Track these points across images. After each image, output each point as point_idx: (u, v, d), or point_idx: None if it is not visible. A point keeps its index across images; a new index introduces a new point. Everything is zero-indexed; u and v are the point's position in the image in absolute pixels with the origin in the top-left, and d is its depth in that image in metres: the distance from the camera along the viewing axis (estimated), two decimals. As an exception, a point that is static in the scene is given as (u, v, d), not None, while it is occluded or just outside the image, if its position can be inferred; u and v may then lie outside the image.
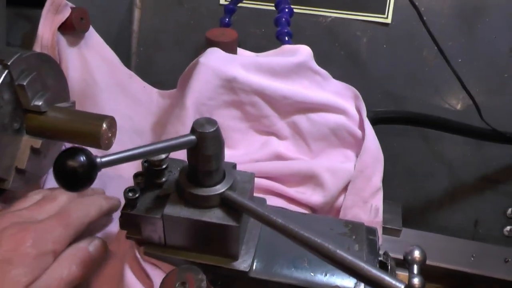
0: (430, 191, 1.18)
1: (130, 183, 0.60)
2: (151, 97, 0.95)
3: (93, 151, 0.49)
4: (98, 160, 0.44)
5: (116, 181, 0.82)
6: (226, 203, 0.56)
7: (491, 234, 1.15)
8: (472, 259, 1.02)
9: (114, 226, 0.76)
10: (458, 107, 1.14)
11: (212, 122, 0.53)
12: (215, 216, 0.55)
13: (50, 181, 0.82)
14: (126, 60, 1.20)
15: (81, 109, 0.82)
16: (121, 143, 0.71)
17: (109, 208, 0.72)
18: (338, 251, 0.48)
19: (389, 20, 1.13)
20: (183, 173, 0.57)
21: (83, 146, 0.47)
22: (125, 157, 0.47)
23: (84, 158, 0.43)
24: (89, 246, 0.65)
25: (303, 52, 0.83)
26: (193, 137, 0.51)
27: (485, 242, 1.10)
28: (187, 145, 0.52)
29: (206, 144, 0.52)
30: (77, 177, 0.43)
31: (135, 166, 0.78)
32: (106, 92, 0.88)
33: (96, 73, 0.87)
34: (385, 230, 0.84)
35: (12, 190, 0.78)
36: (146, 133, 0.91)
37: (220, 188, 0.56)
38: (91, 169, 0.43)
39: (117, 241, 0.74)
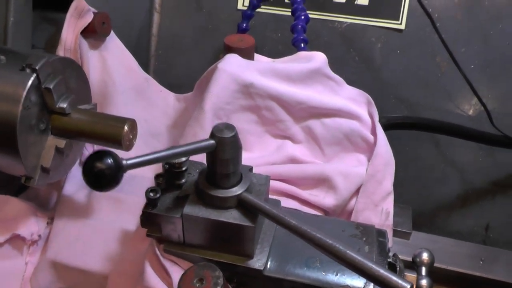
0: (441, 195, 1.20)
1: (146, 184, 0.62)
2: (167, 100, 0.97)
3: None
4: (124, 162, 0.47)
5: (130, 182, 0.84)
6: (242, 205, 0.58)
7: (502, 239, 1.16)
8: (481, 263, 1.03)
9: (132, 224, 0.79)
10: (470, 112, 1.15)
11: (230, 127, 0.55)
12: (232, 216, 0.58)
13: (70, 179, 0.85)
14: (145, 62, 1.23)
15: (100, 109, 0.85)
16: (136, 146, 0.73)
17: None
18: (348, 251, 0.50)
19: (403, 26, 1.14)
20: (202, 175, 0.60)
21: (110, 149, 0.50)
22: (149, 160, 0.49)
23: (112, 160, 0.46)
24: None
25: (318, 59, 0.85)
26: (212, 141, 0.54)
27: (495, 247, 1.11)
28: (207, 149, 0.54)
29: (224, 148, 0.55)
30: (104, 178, 0.46)
31: (150, 168, 0.80)
32: (123, 94, 0.91)
33: (115, 75, 0.90)
34: (396, 233, 0.86)
35: (36, 187, 0.81)
36: (162, 135, 0.94)
37: (237, 190, 0.58)
38: (118, 171, 0.46)
39: (135, 239, 0.76)
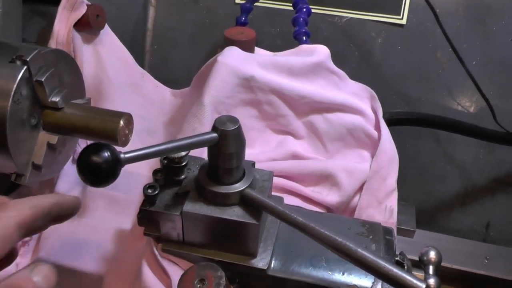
0: (442, 193, 1.18)
1: (143, 182, 0.59)
2: (163, 96, 0.95)
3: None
4: (122, 156, 0.44)
5: (126, 180, 0.82)
6: (245, 201, 0.56)
7: (502, 237, 1.15)
8: (486, 261, 1.02)
9: (128, 223, 0.76)
10: (472, 109, 1.13)
11: (233, 120, 0.53)
12: (235, 214, 0.55)
13: (63, 177, 0.82)
14: (140, 57, 1.21)
15: (94, 105, 0.81)
16: (132, 143, 0.70)
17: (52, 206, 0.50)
18: (359, 249, 0.47)
19: (404, 21, 1.12)
20: (203, 170, 0.57)
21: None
22: (148, 153, 0.47)
23: (109, 153, 0.43)
24: (32, 274, 0.41)
25: (321, 52, 0.83)
26: (214, 134, 0.52)
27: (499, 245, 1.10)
28: (209, 143, 0.52)
29: (227, 142, 0.52)
30: (101, 173, 0.43)
31: (147, 165, 0.78)
32: (119, 90, 0.88)
33: (110, 70, 0.87)
34: (399, 231, 0.84)
35: (27, 185, 0.79)
36: (158, 132, 0.91)
37: (240, 186, 0.56)
38: (115, 165, 0.43)
39: (131, 238, 0.74)
